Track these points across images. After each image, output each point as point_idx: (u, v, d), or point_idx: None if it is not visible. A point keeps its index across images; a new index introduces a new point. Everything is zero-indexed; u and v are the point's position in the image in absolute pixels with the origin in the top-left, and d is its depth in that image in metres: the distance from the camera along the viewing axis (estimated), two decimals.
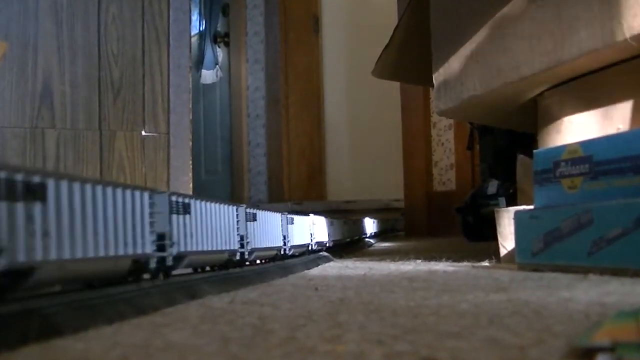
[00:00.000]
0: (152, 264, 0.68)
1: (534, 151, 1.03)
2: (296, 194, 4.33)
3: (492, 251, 1.19)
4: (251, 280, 0.89)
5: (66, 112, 1.83)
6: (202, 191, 4.06)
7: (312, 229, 1.41)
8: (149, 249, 0.66)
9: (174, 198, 0.71)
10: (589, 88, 1.05)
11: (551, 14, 1.01)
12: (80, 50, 1.85)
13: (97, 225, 0.55)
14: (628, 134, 0.90)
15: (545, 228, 0.94)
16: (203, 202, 0.80)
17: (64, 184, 0.51)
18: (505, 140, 1.70)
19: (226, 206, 0.88)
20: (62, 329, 0.48)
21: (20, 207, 0.45)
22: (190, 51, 1.99)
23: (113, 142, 1.86)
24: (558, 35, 1.00)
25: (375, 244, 2.47)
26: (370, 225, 2.61)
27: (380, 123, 4.18)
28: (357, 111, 4.35)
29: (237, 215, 0.93)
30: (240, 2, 4.56)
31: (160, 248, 0.68)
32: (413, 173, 3.56)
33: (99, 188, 0.56)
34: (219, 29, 4.62)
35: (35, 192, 0.47)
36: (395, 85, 3.47)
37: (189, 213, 0.75)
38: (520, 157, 1.25)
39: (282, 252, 1.19)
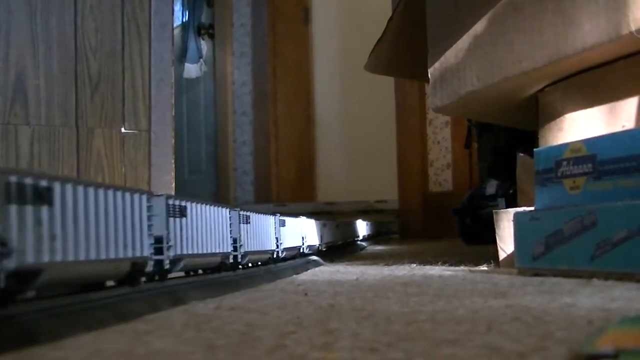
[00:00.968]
0: (150, 267, 0.70)
1: (535, 150, 1.03)
2: (285, 195, 4.34)
3: (490, 255, 1.20)
4: (238, 286, 0.89)
5: (41, 108, 1.83)
6: (185, 191, 4.05)
7: (304, 231, 1.42)
8: (147, 251, 0.69)
9: (171, 201, 0.74)
10: (592, 83, 1.05)
11: (553, 6, 1.02)
12: (56, 43, 1.85)
13: (99, 228, 0.59)
14: (634, 131, 0.91)
15: (547, 230, 0.95)
16: (198, 205, 0.83)
17: (69, 188, 0.54)
18: (505, 139, 1.70)
19: (220, 209, 0.92)
20: (39, 336, 0.48)
21: (29, 210, 0.49)
22: (172, 44, 1.99)
23: (91, 140, 1.85)
24: (561, 28, 1.01)
25: (368, 247, 2.47)
26: (362, 228, 2.61)
27: (374, 120, 4.18)
28: (349, 108, 4.35)
29: (230, 218, 0.96)
30: None
31: (158, 251, 0.72)
32: (408, 173, 3.57)
33: (100, 191, 0.59)
34: (203, 20, 4.61)
35: (42, 196, 0.50)
36: (390, 80, 3.48)
37: (185, 216, 0.78)
38: (521, 156, 1.25)
39: (275, 255, 1.21)
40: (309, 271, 1.26)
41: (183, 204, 0.78)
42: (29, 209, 0.49)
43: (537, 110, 1.17)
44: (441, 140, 3.44)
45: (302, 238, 1.42)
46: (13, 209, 0.47)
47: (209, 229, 0.87)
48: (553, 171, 0.98)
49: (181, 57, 4.51)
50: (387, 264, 1.35)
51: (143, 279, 0.71)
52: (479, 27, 1.18)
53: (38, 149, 1.82)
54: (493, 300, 0.68)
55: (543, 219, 0.97)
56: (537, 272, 0.95)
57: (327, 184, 4.42)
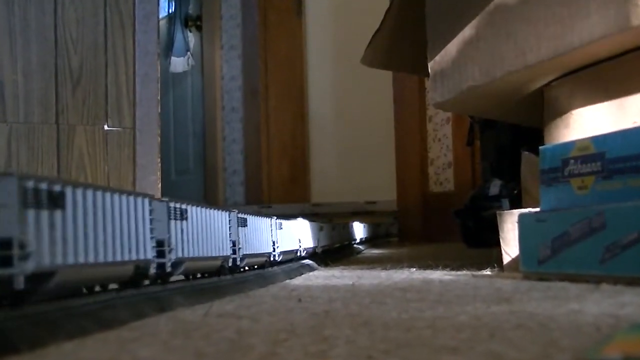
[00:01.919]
0: (152, 270, 0.74)
1: (540, 148, 1.04)
2: (277, 196, 4.34)
3: (494, 258, 1.20)
4: (227, 291, 0.90)
5: (19, 105, 1.82)
6: (172, 193, 4.05)
7: (301, 234, 1.44)
8: (150, 254, 0.73)
9: (172, 204, 0.78)
10: (601, 77, 1.06)
11: None
12: (35, 35, 1.85)
13: (106, 231, 0.63)
14: None
15: (553, 233, 0.95)
16: (198, 208, 0.87)
17: (79, 192, 0.59)
18: (509, 136, 1.71)
19: (219, 212, 0.96)
20: (19, 344, 0.48)
21: (44, 214, 0.53)
22: (158, 36, 1.99)
23: (72, 138, 1.85)
24: (567, 19, 1.01)
25: (365, 251, 2.47)
26: (359, 231, 2.62)
27: (371, 117, 4.19)
28: (345, 104, 4.35)
29: (229, 220, 1.00)
30: None
31: (160, 254, 0.76)
32: (407, 172, 3.57)
33: (107, 195, 0.64)
34: (190, 11, 4.61)
35: (56, 200, 0.55)
36: (387, 75, 3.48)
37: (186, 219, 0.82)
38: (525, 155, 1.26)
39: (272, 259, 1.23)
40: (302, 276, 1.26)
41: (183, 206, 0.82)
42: (44, 213, 0.53)
43: (543, 106, 1.18)
44: (442, 138, 3.45)
45: (299, 241, 1.43)
46: (30, 213, 0.51)
47: (208, 232, 0.90)
48: (559, 170, 0.98)
49: (167, 50, 4.51)
50: (385, 268, 1.35)
51: (146, 282, 0.75)
52: (481, 18, 1.18)
53: (16, 147, 1.82)
54: (496, 306, 0.68)
55: (549, 220, 0.97)
56: (543, 277, 0.96)
57: (321, 184, 4.42)
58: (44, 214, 0.53)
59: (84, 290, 0.66)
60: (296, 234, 1.42)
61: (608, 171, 0.90)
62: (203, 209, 0.89)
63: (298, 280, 1.16)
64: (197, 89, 4.66)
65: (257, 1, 4.40)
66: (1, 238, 0.50)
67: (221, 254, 0.96)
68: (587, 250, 0.89)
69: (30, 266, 0.51)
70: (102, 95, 1.89)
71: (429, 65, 1.32)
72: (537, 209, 1.02)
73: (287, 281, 1.14)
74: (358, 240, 2.58)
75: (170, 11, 4.57)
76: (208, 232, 0.90)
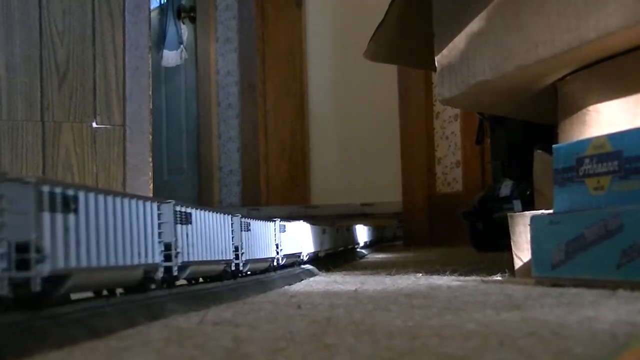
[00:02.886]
0: (160, 274, 0.79)
1: (554, 146, 1.04)
2: (275, 197, 4.34)
3: (505, 263, 1.21)
4: (223, 298, 0.90)
5: (1, 101, 1.83)
6: (165, 193, 4.06)
7: (304, 238, 1.47)
8: (158, 258, 0.78)
9: (178, 208, 0.82)
10: (618, 72, 1.06)
11: None
12: (18, 26, 1.85)
13: (116, 235, 0.67)
14: None
15: (567, 236, 0.95)
16: (202, 212, 0.91)
17: (92, 196, 0.62)
18: (521, 134, 1.71)
19: (222, 215, 1.00)
20: (5, 353, 0.48)
21: (59, 217, 0.57)
22: (149, 28, 1.99)
23: (58, 136, 1.85)
24: (582, 10, 1.01)
25: (369, 255, 2.48)
26: (362, 234, 2.62)
27: (374, 114, 4.19)
28: (347, 100, 4.35)
29: (232, 224, 1.04)
30: None
31: (167, 258, 0.80)
32: (412, 172, 3.57)
33: (117, 199, 0.68)
34: (183, 2, 4.62)
35: (69, 204, 0.58)
36: (392, 69, 3.48)
37: (191, 223, 0.86)
38: (538, 153, 1.26)
39: (275, 263, 1.26)
40: (302, 282, 1.26)
41: (188, 210, 0.86)
42: (59, 217, 0.57)
43: (556, 102, 1.18)
44: (450, 136, 3.45)
45: (302, 245, 1.46)
46: (45, 217, 0.55)
47: (212, 236, 0.94)
48: (574, 170, 0.98)
49: (159, 43, 4.51)
50: (390, 274, 1.35)
51: (153, 285, 0.79)
52: (491, 9, 1.18)
53: None
54: (507, 313, 0.68)
55: (563, 223, 0.97)
56: (556, 282, 0.96)
57: (321, 185, 4.42)
58: (59, 217, 0.57)
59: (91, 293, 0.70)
60: (299, 238, 1.44)
61: (625, 171, 0.90)
62: (207, 213, 0.93)
63: (298, 286, 1.16)
64: (190, 84, 4.67)
65: None
66: (19, 242, 0.54)
67: (224, 258, 1.00)
68: (603, 254, 0.89)
69: (46, 269, 0.55)
70: (89, 90, 1.89)
71: (436, 59, 1.32)
72: (551, 211, 1.02)
73: (287, 287, 1.15)
74: (362, 244, 2.59)
75: (162, 2, 4.58)
76: (211, 236, 0.94)
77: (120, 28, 1.93)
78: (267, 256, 1.21)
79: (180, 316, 0.73)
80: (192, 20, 4.65)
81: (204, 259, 0.91)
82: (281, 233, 1.29)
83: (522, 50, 1.11)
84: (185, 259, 0.84)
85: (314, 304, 0.83)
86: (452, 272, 1.29)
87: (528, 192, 1.53)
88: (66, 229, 0.58)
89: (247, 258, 1.08)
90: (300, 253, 1.45)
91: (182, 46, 4.56)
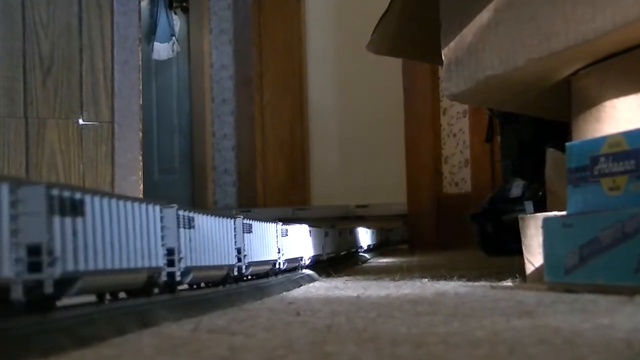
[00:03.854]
0: (163, 278, 0.82)
1: (567, 144, 1.04)
2: (273, 198, 4.34)
3: (515, 268, 1.21)
4: (217, 304, 0.90)
5: None
6: (155, 194, 4.06)
7: (306, 241, 1.49)
8: (161, 262, 0.81)
9: (180, 212, 0.86)
10: (636, 65, 1.06)
11: None
12: (0, 17, 1.85)
13: (121, 238, 0.70)
14: None
15: (581, 239, 0.95)
16: (204, 216, 0.95)
17: (97, 200, 0.66)
18: (532, 131, 1.72)
19: (224, 219, 1.03)
20: None
21: (68, 221, 0.60)
22: (139, 19, 1.99)
23: (42, 133, 1.86)
24: (598, 0, 1.01)
25: (372, 260, 2.48)
26: (365, 237, 2.63)
27: (378, 110, 4.19)
28: (349, 96, 4.36)
29: (234, 227, 1.07)
30: None
31: (170, 263, 0.83)
32: (418, 171, 3.57)
33: (121, 202, 0.71)
34: None
35: (77, 208, 0.62)
36: (397, 63, 3.48)
37: (193, 227, 0.89)
38: (551, 152, 1.26)
39: (277, 266, 1.28)
40: (302, 287, 1.27)
41: (191, 214, 0.89)
42: (67, 220, 0.60)
43: (570, 98, 1.18)
44: (457, 133, 3.45)
45: (304, 248, 1.47)
46: (56, 220, 0.59)
47: (214, 239, 0.98)
48: (588, 169, 0.98)
49: (149, 34, 4.51)
50: (394, 279, 1.35)
51: (155, 290, 0.82)
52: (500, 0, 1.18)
53: None
54: (517, 320, 0.69)
55: (577, 225, 0.97)
56: (570, 288, 0.96)
57: (322, 185, 4.43)
58: (68, 221, 0.60)
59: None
60: (301, 241, 1.46)
61: None
62: (209, 217, 0.96)
63: (297, 292, 1.17)
64: (183, 78, 4.67)
65: None
66: (31, 244, 0.57)
67: (227, 263, 1.03)
68: (620, 258, 0.89)
69: (57, 271, 0.58)
70: (76, 85, 1.89)
71: (443, 52, 1.32)
72: (564, 213, 1.03)
73: (285, 293, 1.15)
74: (365, 248, 2.59)
75: None
76: (213, 240, 0.97)
77: (109, 19, 1.93)
78: (269, 259, 1.24)
79: (172, 323, 0.73)
80: (185, 10, 4.65)
81: (207, 264, 0.94)
82: (283, 237, 1.31)
83: (534, 43, 1.11)
84: (189, 264, 0.87)
85: (314, 311, 0.84)
86: (460, 278, 1.29)
87: (540, 193, 1.53)
88: (74, 232, 0.61)
89: (250, 261, 1.11)
90: (302, 257, 1.46)
91: (174, 38, 4.57)
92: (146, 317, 0.73)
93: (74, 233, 0.61)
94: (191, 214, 0.89)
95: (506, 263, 1.44)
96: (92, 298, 0.72)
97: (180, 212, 0.85)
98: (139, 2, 2.01)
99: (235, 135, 4.48)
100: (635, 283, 0.86)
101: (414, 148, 3.61)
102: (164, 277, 0.82)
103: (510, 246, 1.43)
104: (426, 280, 1.30)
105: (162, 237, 0.81)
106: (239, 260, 1.08)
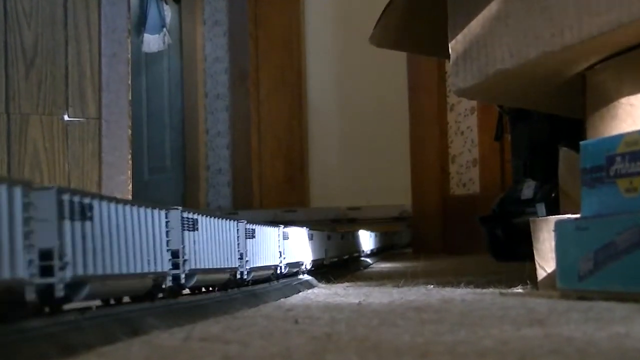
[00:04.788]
0: (168, 282, 0.86)
1: (581, 143, 1.04)
2: (270, 199, 4.34)
3: (526, 274, 1.21)
4: (211, 312, 0.90)
5: None
6: (145, 195, 4.07)
7: (307, 244, 1.51)
8: (167, 266, 0.85)
9: (185, 214, 0.89)
10: None
11: None
12: None
13: (127, 243, 0.74)
14: None
15: (596, 243, 0.96)
16: (208, 218, 0.98)
17: (105, 205, 0.70)
18: (545, 129, 1.72)
19: (227, 222, 1.07)
20: None
21: (77, 225, 0.64)
22: (129, 9, 2.00)
23: (25, 130, 1.86)
24: None
25: (374, 265, 2.48)
26: (366, 241, 2.63)
27: (381, 106, 4.19)
28: (351, 91, 4.36)
29: (237, 231, 1.11)
30: None
31: (175, 266, 0.87)
32: (423, 172, 3.58)
33: (127, 207, 0.75)
34: None
35: (85, 212, 0.66)
36: (401, 56, 3.48)
37: (197, 230, 0.93)
38: (564, 151, 1.26)
39: (279, 271, 1.31)
40: (300, 294, 1.27)
41: (195, 217, 0.93)
42: (77, 225, 0.64)
43: (585, 94, 1.18)
44: (465, 131, 3.45)
45: (306, 252, 1.49)
46: (67, 224, 0.62)
47: (217, 243, 1.01)
48: (604, 169, 0.98)
49: (139, 25, 4.52)
50: (397, 285, 1.36)
51: (160, 294, 0.85)
52: None
53: None
54: (528, 329, 0.69)
55: (591, 228, 0.98)
56: (584, 295, 0.96)
57: (322, 186, 4.43)
58: (77, 225, 0.64)
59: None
60: (302, 245, 1.48)
61: None
62: (212, 219, 1.00)
63: (295, 299, 1.17)
64: (174, 72, 4.67)
65: None
66: (43, 249, 0.60)
67: (230, 266, 1.07)
68: (637, 264, 0.89)
69: (68, 275, 0.62)
70: (61, 79, 1.89)
71: (450, 45, 1.32)
72: (578, 215, 1.03)
73: (282, 300, 1.15)
74: (369, 252, 2.60)
75: None
76: (217, 243, 1.01)
77: (96, 9, 1.93)
78: (271, 264, 1.27)
79: (163, 332, 0.74)
80: (176, 0, 4.65)
81: (210, 267, 0.98)
82: (284, 240, 1.34)
83: (547, 35, 1.12)
84: (193, 267, 0.91)
85: (313, 319, 0.84)
86: (467, 284, 1.29)
87: (553, 195, 1.53)
88: (84, 237, 0.65)
89: (252, 266, 1.14)
90: (304, 262, 1.48)
91: (165, 29, 4.57)
92: (136, 325, 0.73)
93: (83, 237, 0.65)
94: (195, 216, 0.93)
95: (516, 269, 1.44)
96: (79, 304, 0.72)
97: (185, 215, 0.89)
98: None
99: (230, 132, 4.48)
100: None
101: (419, 147, 3.61)
102: (169, 282, 0.86)
103: (520, 251, 1.43)
104: (431, 286, 1.30)
105: (168, 241, 0.85)
106: (241, 265, 1.11)
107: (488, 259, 2.11)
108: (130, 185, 1.96)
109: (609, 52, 1.12)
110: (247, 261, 1.13)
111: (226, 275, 1.06)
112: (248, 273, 1.13)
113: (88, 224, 0.66)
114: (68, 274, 0.62)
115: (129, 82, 1.99)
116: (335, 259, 1.83)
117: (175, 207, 0.89)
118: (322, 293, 1.27)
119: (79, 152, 1.90)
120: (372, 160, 4.24)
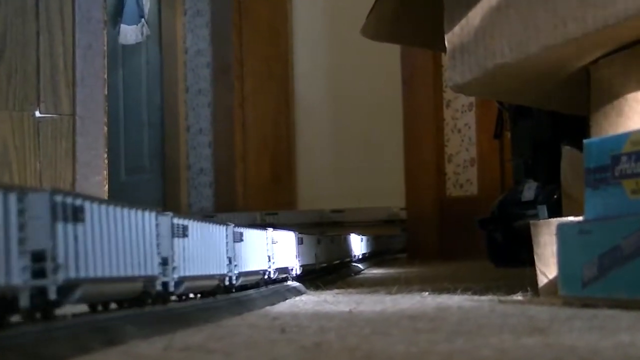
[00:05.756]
0: (158, 287, 0.87)
1: (585, 141, 1.05)
2: (255, 201, 4.34)
3: (527, 280, 1.21)
4: (192, 320, 0.90)
5: None
6: (122, 196, 4.05)
7: (295, 249, 1.52)
8: (157, 271, 0.86)
9: (175, 220, 0.91)
10: None
11: None
12: None
13: (118, 246, 0.76)
14: None
15: (601, 248, 0.96)
16: (197, 223, 1.00)
17: (96, 206, 0.72)
18: (547, 127, 1.72)
19: (216, 226, 1.09)
20: None
21: (70, 227, 0.66)
22: None
23: None
24: None
25: (365, 270, 2.49)
26: (357, 245, 2.64)
27: (373, 102, 4.20)
28: (341, 86, 4.36)
29: (226, 235, 1.12)
30: None
31: (164, 272, 0.88)
32: (418, 171, 3.58)
33: (118, 209, 0.77)
34: None
35: (77, 214, 0.68)
36: (395, 49, 3.49)
37: (187, 235, 0.95)
38: (567, 150, 1.27)
39: (267, 276, 1.32)
40: (287, 301, 1.27)
41: (185, 222, 0.95)
42: (69, 227, 0.66)
43: (588, 89, 1.19)
44: (463, 128, 3.46)
45: (295, 257, 1.50)
46: (59, 226, 0.64)
47: (206, 248, 1.03)
48: (609, 169, 0.99)
49: (116, 16, 4.51)
50: (390, 292, 1.36)
51: (149, 300, 0.87)
52: None
53: None
54: (528, 337, 0.69)
55: (595, 232, 0.98)
56: (588, 303, 0.97)
57: (310, 186, 4.43)
58: (70, 227, 0.66)
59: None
60: (290, 249, 1.48)
61: None
62: (202, 224, 1.02)
63: (281, 307, 1.17)
64: (153, 65, 4.67)
65: None
66: (35, 250, 0.62)
67: (218, 272, 1.08)
68: None
69: (60, 278, 0.64)
70: (32, 72, 1.89)
71: (446, 37, 1.32)
72: (581, 218, 1.03)
73: (268, 308, 1.15)
74: (360, 257, 2.60)
75: None
76: (206, 249, 1.03)
77: None
78: (260, 269, 1.28)
79: (141, 341, 0.74)
80: None
81: (199, 274, 0.99)
82: (273, 244, 1.35)
83: (549, 28, 1.12)
84: (182, 274, 0.92)
85: (301, 327, 0.84)
86: (465, 291, 1.29)
87: (555, 196, 1.54)
88: (75, 239, 0.67)
89: (240, 271, 1.15)
90: (293, 267, 1.48)
91: (143, 20, 4.57)
92: (112, 334, 0.73)
93: (75, 239, 0.67)
94: (185, 222, 0.95)
95: (516, 275, 1.45)
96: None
97: (175, 220, 0.91)
98: None
99: (213, 130, 4.47)
100: None
101: (414, 145, 3.61)
102: (158, 287, 0.87)
103: (521, 256, 1.43)
104: (427, 293, 1.31)
105: (158, 245, 0.87)
106: (230, 270, 1.12)
107: (486, 264, 2.11)
108: (107, 187, 1.96)
109: (614, 46, 1.12)
110: (235, 265, 1.14)
111: (215, 282, 1.07)
112: (237, 278, 1.14)
113: (80, 225, 0.68)
114: (60, 276, 0.63)
115: (105, 76, 1.98)
116: (325, 265, 1.84)
117: (166, 212, 0.90)
118: (310, 300, 1.28)
119: (52, 151, 1.89)
120: (363, 159, 4.24)
